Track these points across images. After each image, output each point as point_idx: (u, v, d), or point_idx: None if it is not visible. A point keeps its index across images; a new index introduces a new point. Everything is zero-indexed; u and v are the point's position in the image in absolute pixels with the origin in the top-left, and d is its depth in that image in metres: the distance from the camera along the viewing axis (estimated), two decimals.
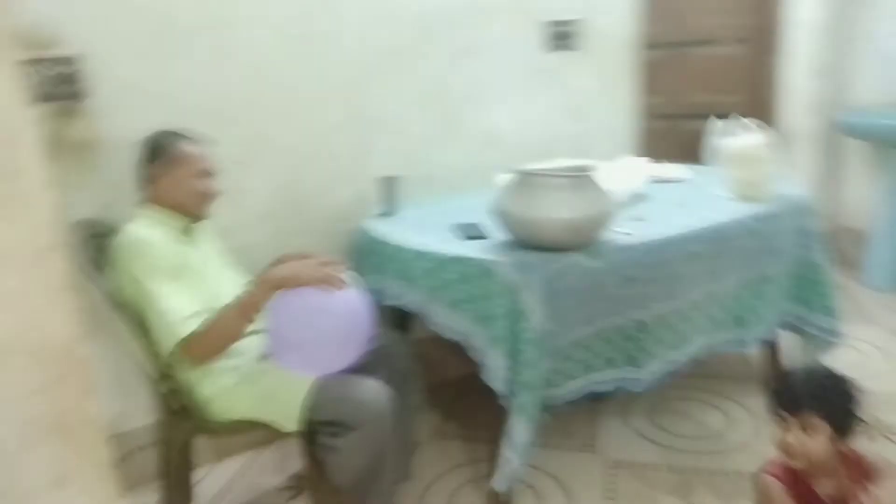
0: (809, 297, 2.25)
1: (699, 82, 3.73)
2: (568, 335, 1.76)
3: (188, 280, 1.56)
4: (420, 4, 2.36)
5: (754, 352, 2.47)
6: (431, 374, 2.06)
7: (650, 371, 1.90)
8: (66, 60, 1.81)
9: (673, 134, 3.76)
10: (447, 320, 1.75)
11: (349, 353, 1.49)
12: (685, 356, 1.98)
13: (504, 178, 1.93)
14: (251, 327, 1.53)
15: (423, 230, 2.02)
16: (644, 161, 2.44)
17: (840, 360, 2.63)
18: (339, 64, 2.26)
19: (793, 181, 2.41)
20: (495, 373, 1.67)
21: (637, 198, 2.26)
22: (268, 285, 1.48)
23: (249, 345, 1.62)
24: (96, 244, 1.64)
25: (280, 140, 2.20)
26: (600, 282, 1.76)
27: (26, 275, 0.56)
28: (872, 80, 3.41)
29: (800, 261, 2.20)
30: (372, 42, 2.30)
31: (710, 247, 1.98)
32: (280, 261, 1.75)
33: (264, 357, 1.63)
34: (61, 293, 0.58)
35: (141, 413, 1.93)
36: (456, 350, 1.77)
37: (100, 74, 1.86)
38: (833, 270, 2.29)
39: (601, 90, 2.85)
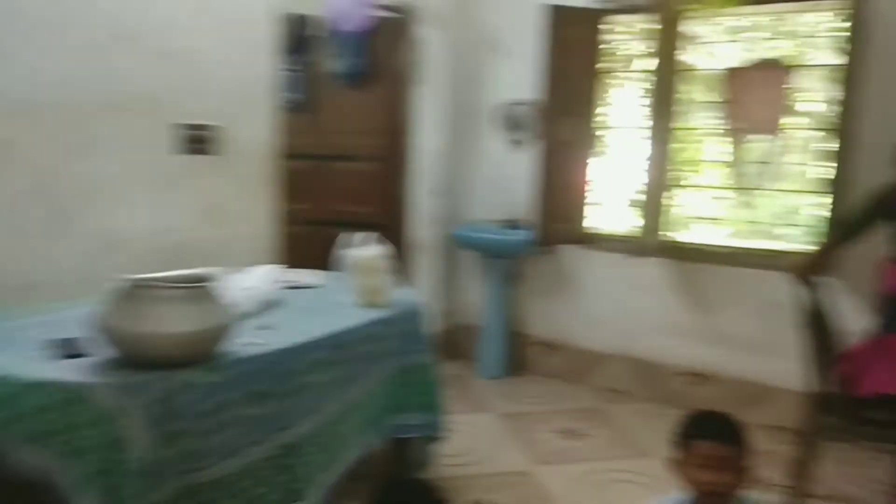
0: (416, 396, 2.43)
1: (341, 193, 4.03)
2: (204, 470, 1.64)
3: None
4: (33, 95, 2.12)
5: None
6: None
7: (313, 499, 1.86)
8: None
9: (317, 240, 3.93)
10: (27, 457, 1.47)
11: None
12: (339, 472, 1.99)
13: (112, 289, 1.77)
14: None
15: (6, 348, 1.71)
16: (278, 268, 2.49)
17: (455, 447, 2.95)
18: None
19: (409, 288, 2.68)
20: None
21: (269, 306, 2.27)
22: None
23: None
24: None
25: None
26: (226, 400, 1.69)
27: None
28: (480, 200, 4.08)
29: (410, 361, 2.42)
30: None
31: (335, 353, 2.06)
32: None
33: None
34: None
35: None
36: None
37: None
38: (438, 368, 2.54)
39: (240, 196, 2.87)
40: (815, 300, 2.33)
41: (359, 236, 2.39)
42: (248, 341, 1.84)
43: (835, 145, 3.03)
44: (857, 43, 2.90)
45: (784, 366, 2.71)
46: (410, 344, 2.42)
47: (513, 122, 3.91)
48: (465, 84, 4.01)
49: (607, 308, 3.76)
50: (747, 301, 3.33)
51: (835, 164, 3.04)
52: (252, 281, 2.25)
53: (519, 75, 3.81)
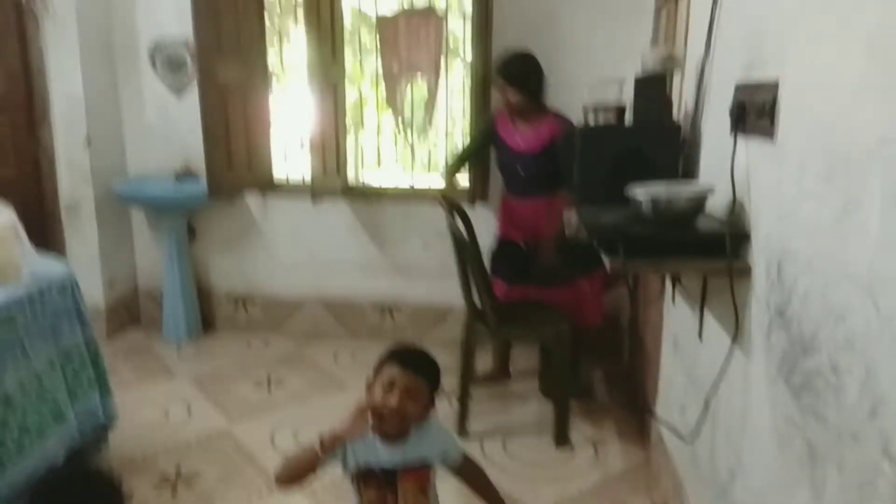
0: (77, 378, 2.17)
1: None
2: None
3: None
4: None
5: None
6: None
7: None
8: None
9: None
10: None
11: None
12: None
13: None
14: None
15: None
16: None
17: (143, 421, 2.72)
18: None
19: (52, 258, 2.31)
20: None
21: None
22: None
23: None
24: None
25: None
26: None
27: None
28: (144, 150, 3.66)
29: (66, 342, 2.12)
30: None
31: None
32: None
33: None
34: None
35: None
36: None
37: None
38: (98, 344, 2.28)
39: None
40: (455, 225, 2.60)
41: None
42: None
43: (475, 84, 3.33)
44: None
45: (454, 287, 2.99)
46: (63, 322, 2.11)
47: (172, 63, 3.55)
48: (109, 18, 3.50)
49: (297, 254, 3.73)
50: (421, 233, 3.58)
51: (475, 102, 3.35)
52: None
53: (172, 11, 3.44)
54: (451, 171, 3.07)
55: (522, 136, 2.79)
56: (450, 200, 2.74)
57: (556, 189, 2.77)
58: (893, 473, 0.79)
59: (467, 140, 3.36)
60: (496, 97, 2.86)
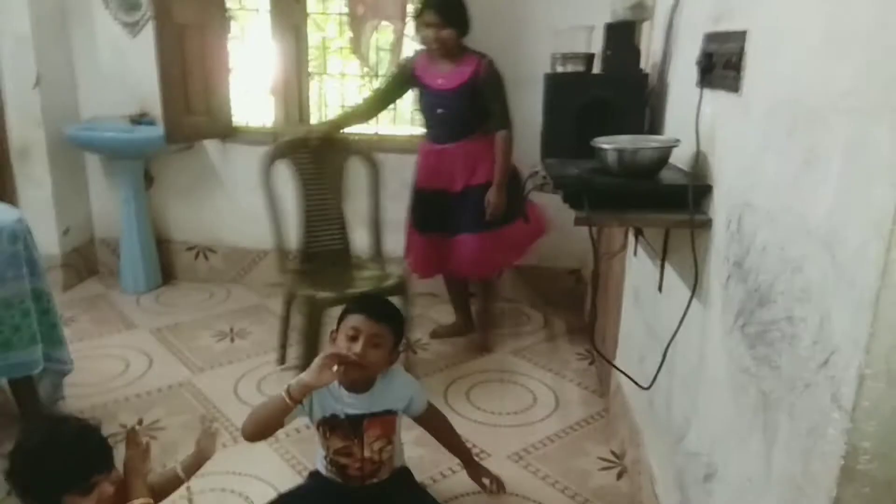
0: (28, 328, 2.08)
1: None
2: None
3: None
4: None
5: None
6: None
7: None
8: None
9: None
10: None
11: None
12: None
13: None
14: None
15: None
16: None
17: (103, 371, 2.69)
18: None
19: (3, 206, 2.23)
20: None
21: None
22: None
23: None
24: None
25: None
26: None
27: None
28: (96, 94, 3.51)
29: (15, 290, 2.05)
30: None
31: None
32: None
33: None
34: None
35: None
36: None
37: None
38: (50, 294, 2.21)
39: None
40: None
41: None
42: None
43: None
44: None
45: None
46: (12, 269, 2.03)
47: (125, 1, 3.38)
48: None
49: (259, 203, 3.63)
50: (386, 184, 3.52)
51: None
52: None
53: None
54: (354, 114, 2.98)
55: (443, 75, 2.71)
56: (332, 140, 2.77)
57: (476, 134, 2.74)
58: (842, 420, 0.82)
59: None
60: (423, 36, 2.72)
